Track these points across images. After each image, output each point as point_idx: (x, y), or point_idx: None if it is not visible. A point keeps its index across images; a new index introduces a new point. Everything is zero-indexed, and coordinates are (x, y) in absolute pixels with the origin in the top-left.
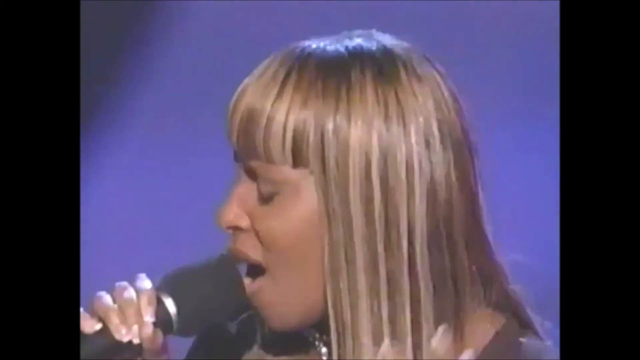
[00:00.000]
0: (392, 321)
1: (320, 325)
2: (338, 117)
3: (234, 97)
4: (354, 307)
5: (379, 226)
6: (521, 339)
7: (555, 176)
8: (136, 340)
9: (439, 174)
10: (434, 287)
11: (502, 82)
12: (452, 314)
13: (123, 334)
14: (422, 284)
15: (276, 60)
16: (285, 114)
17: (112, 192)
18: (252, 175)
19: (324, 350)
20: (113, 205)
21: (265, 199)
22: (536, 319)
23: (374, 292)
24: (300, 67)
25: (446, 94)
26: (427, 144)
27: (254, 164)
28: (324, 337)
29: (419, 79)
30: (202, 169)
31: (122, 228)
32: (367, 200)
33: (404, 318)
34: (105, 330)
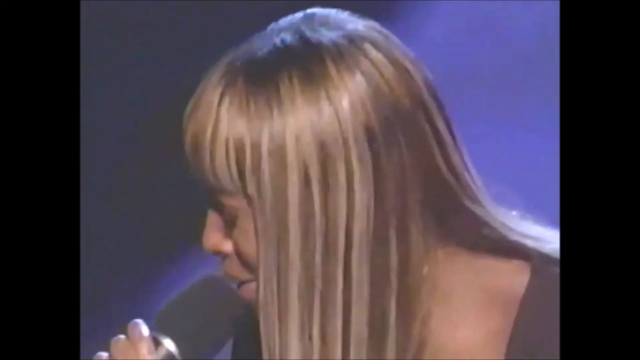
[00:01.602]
0: (323, 340)
1: None
2: (273, 135)
3: (183, 128)
4: (283, 328)
5: (317, 240)
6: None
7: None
8: None
9: (385, 163)
10: (371, 296)
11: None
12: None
13: None
14: (355, 295)
15: (209, 83)
16: (224, 145)
17: (112, 192)
18: (215, 202)
19: None
20: (113, 205)
21: (230, 224)
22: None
23: (305, 313)
24: (231, 89)
25: (391, 74)
26: (368, 135)
27: (211, 193)
28: None
29: (350, 69)
30: None
31: (122, 228)
32: (307, 217)
33: (334, 337)
34: None
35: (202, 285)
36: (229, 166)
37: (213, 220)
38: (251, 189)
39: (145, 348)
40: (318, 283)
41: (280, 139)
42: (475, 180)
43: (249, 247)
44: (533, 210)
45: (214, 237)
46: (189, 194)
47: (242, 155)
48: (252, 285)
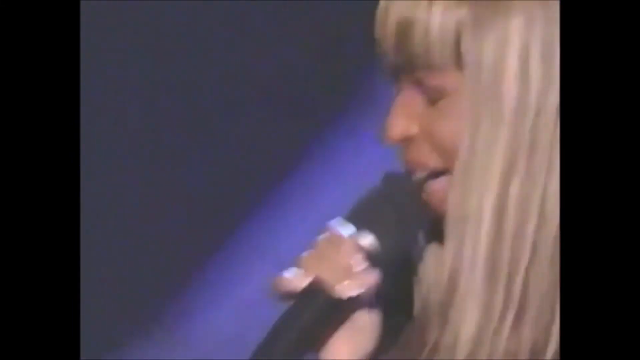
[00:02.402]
0: (519, 214)
1: None
2: (496, 14)
3: (380, 14)
4: (473, 209)
5: (528, 115)
6: None
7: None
8: (355, 293)
9: None
10: None
11: None
12: None
13: (343, 292)
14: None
15: None
16: (441, 18)
17: (112, 191)
18: (414, 83)
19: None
20: (113, 204)
21: (432, 102)
22: None
23: (504, 179)
24: None
25: None
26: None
27: (416, 73)
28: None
29: None
30: (202, 168)
31: (122, 227)
32: (522, 95)
33: (530, 209)
34: (320, 292)
35: (395, 181)
36: (444, 43)
37: (401, 105)
38: (469, 61)
39: (349, 244)
40: (523, 154)
41: (504, 17)
42: None
43: (445, 127)
44: None
45: (401, 124)
46: (189, 195)
47: (462, 31)
48: (438, 182)
